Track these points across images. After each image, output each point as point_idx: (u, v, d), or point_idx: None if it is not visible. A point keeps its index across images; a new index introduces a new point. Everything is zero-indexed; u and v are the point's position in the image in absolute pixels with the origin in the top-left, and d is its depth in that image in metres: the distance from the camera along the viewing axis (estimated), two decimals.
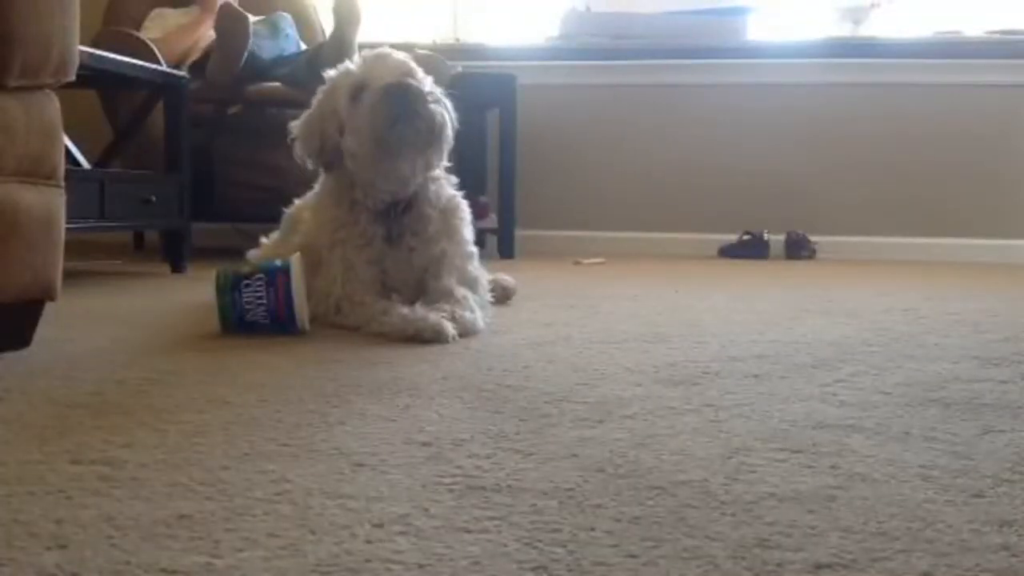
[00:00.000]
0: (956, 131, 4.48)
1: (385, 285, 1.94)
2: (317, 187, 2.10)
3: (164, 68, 3.22)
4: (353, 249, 1.93)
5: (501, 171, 4.18)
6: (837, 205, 4.55)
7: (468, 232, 2.03)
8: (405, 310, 1.81)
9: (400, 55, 1.96)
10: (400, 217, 1.95)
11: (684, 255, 4.43)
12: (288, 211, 2.31)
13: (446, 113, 1.89)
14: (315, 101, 1.99)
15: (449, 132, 1.90)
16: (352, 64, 1.95)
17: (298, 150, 1.98)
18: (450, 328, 1.77)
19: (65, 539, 0.77)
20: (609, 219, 4.70)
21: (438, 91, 1.93)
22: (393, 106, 1.83)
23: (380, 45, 4.41)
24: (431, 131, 1.87)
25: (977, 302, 2.59)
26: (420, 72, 1.93)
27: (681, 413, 1.23)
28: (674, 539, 0.79)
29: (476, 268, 2.04)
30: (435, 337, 1.74)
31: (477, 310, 1.90)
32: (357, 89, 1.88)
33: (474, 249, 2.06)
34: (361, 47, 4.36)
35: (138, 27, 3.97)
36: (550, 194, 4.62)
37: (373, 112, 1.83)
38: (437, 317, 1.78)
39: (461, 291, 1.93)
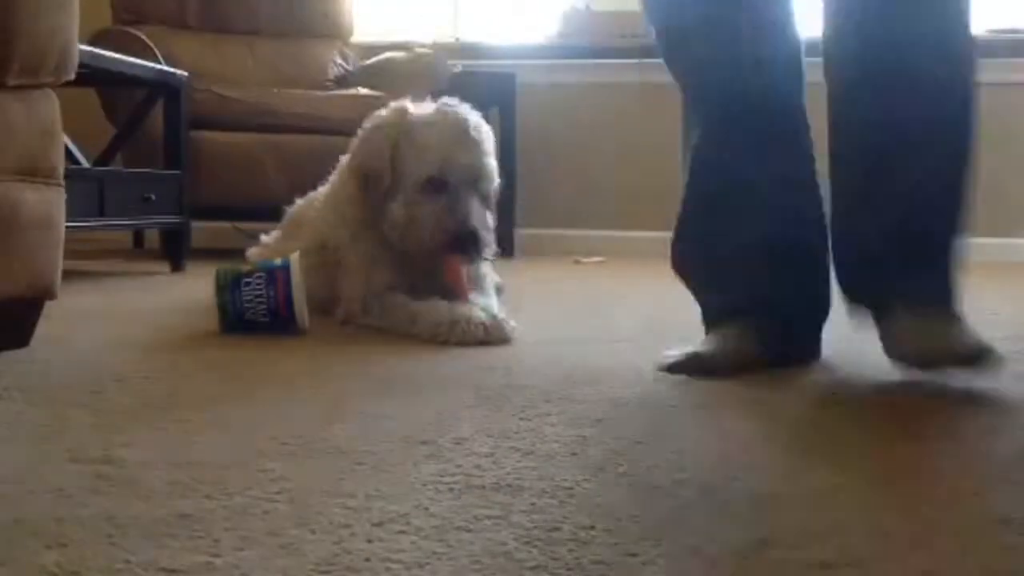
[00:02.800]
0: None
1: (409, 283, 1.91)
2: (328, 186, 2.09)
3: (163, 67, 3.22)
4: (378, 246, 1.91)
5: (501, 170, 4.18)
6: None
7: None
8: (442, 311, 1.77)
9: (479, 123, 1.92)
10: None
11: None
12: (290, 210, 2.31)
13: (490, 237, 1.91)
14: (383, 128, 1.91)
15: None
16: (433, 118, 1.89)
17: (363, 169, 1.92)
18: (510, 324, 1.77)
19: (65, 538, 0.77)
20: (609, 218, 4.70)
21: (495, 164, 1.94)
22: (455, 248, 1.83)
23: (380, 44, 4.42)
24: (481, 257, 1.89)
25: (977, 300, 2.59)
26: (491, 150, 1.93)
27: (681, 412, 1.23)
28: (674, 538, 0.79)
29: (489, 268, 2.04)
30: (501, 338, 1.73)
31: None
32: (436, 181, 1.84)
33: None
34: (365, 46, 4.37)
35: (141, 19, 3.95)
36: (550, 193, 4.62)
37: (433, 245, 1.84)
38: (485, 315, 1.76)
39: (492, 277, 1.98)
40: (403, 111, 1.92)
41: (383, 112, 1.96)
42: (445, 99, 1.95)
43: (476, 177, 1.88)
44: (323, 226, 2.04)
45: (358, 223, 1.93)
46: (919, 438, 1.12)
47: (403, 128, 1.89)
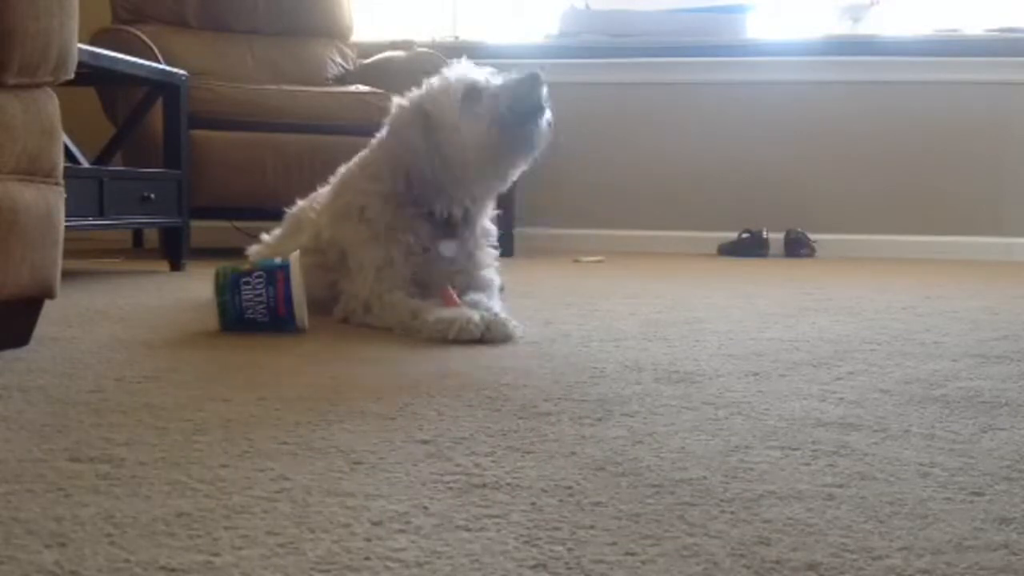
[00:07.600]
0: (955, 129, 4.48)
1: (416, 283, 1.92)
2: (331, 187, 2.08)
3: (163, 66, 3.22)
4: (396, 246, 1.91)
5: None
6: (836, 203, 4.55)
7: (494, 237, 2.06)
8: (443, 309, 1.77)
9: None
10: (461, 228, 1.95)
11: (683, 253, 4.43)
12: (290, 210, 2.31)
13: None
14: (406, 108, 1.93)
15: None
16: (441, 77, 1.92)
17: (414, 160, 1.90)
18: (514, 323, 1.77)
19: (64, 537, 0.77)
20: (608, 217, 4.70)
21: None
22: (531, 92, 1.83)
23: (380, 43, 4.41)
24: (542, 140, 1.89)
25: (976, 300, 2.59)
26: None
27: (680, 411, 1.23)
28: (673, 537, 0.79)
29: (494, 272, 2.04)
30: (502, 336, 1.73)
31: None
32: (471, 90, 1.87)
33: (495, 252, 2.06)
34: (364, 45, 4.37)
35: (141, 18, 3.95)
36: (549, 192, 4.62)
37: (511, 94, 1.83)
38: (486, 314, 1.75)
39: (497, 280, 1.99)
40: (401, 100, 1.95)
41: (390, 113, 1.98)
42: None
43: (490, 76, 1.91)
44: (327, 229, 2.02)
45: (381, 227, 1.92)
46: (914, 436, 1.12)
47: (415, 108, 1.91)
